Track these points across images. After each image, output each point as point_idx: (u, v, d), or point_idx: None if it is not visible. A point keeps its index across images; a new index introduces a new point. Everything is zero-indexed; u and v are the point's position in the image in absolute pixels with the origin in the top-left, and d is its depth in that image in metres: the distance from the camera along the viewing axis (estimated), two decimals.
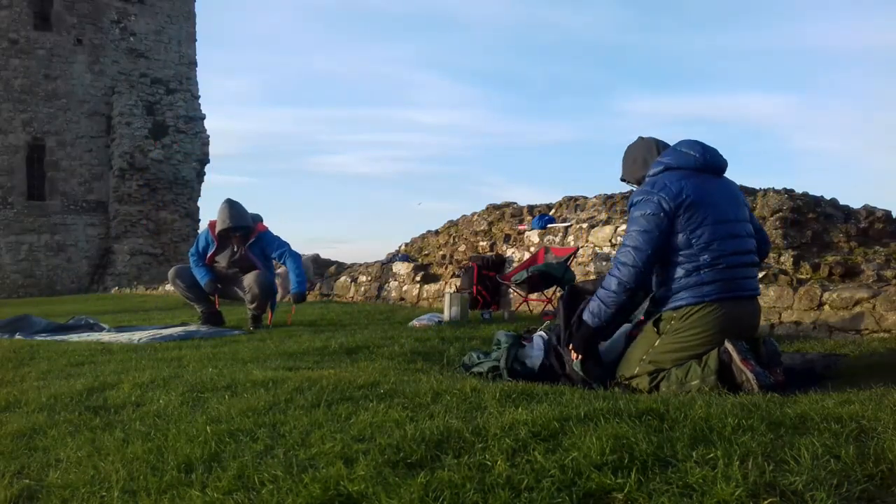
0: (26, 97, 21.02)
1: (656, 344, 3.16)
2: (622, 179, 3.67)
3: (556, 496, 1.63)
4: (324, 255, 11.98)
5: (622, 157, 3.64)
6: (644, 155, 3.49)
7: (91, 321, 7.08)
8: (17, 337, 6.12)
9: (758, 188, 6.45)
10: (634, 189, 3.49)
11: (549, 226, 7.58)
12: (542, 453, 1.87)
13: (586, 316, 3.34)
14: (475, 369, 3.55)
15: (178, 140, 22.00)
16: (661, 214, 3.12)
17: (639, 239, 3.16)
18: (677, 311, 3.13)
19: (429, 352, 4.33)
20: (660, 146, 3.46)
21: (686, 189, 3.14)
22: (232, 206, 6.44)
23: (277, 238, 6.64)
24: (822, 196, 6.21)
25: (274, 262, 6.83)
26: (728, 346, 2.95)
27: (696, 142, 3.33)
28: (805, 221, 5.74)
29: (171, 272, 6.86)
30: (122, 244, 21.11)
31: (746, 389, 2.81)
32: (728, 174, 3.39)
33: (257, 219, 6.65)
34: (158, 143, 21.63)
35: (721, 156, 3.34)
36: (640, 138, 3.59)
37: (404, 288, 8.94)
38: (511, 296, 7.17)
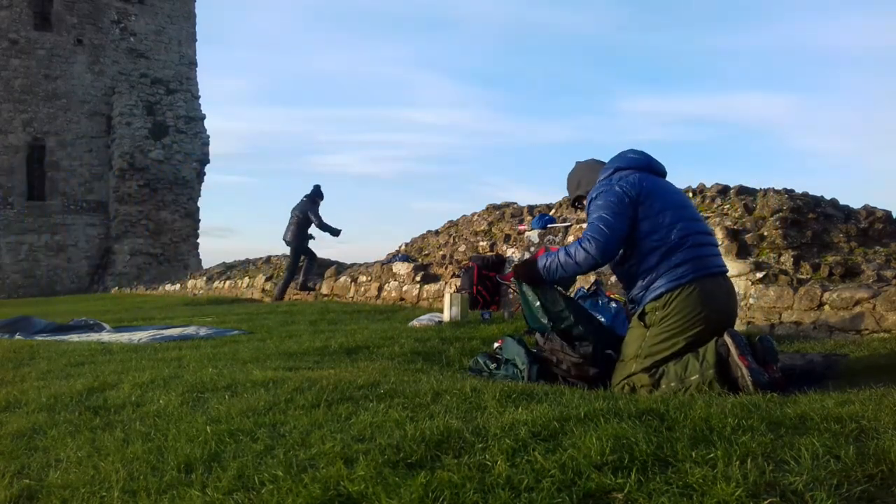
0: (26, 97, 21.03)
1: (646, 336, 3.20)
2: (572, 203, 3.83)
3: (556, 496, 1.63)
4: (323, 255, 11.94)
5: (567, 183, 3.80)
6: (588, 174, 3.65)
7: (91, 322, 7.09)
8: (17, 337, 6.12)
9: (758, 188, 6.43)
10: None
11: (549, 226, 7.57)
12: (542, 453, 1.87)
13: (541, 265, 3.47)
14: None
15: (178, 140, 22.01)
16: (626, 200, 3.26)
17: (609, 219, 3.25)
18: (659, 299, 3.20)
19: (429, 352, 4.33)
20: (599, 163, 3.66)
21: (641, 180, 3.33)
22: None
23: None
24: (822, 196, 6.19)
25: None
26: (727, 338, 2.96)
27: (636, 149, 3.55)
28: (805, 221, 5.72)
29: None
30: (123, 244, 21.12)
31: (741, 385, 2.82)
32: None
33: None
34: (158, 143, 21.64)
35: (661, 163, 3.54)
36: (579, 162, 3.77)
37: (404, 288, 8.93)
38: (511, 296, 7.17)
